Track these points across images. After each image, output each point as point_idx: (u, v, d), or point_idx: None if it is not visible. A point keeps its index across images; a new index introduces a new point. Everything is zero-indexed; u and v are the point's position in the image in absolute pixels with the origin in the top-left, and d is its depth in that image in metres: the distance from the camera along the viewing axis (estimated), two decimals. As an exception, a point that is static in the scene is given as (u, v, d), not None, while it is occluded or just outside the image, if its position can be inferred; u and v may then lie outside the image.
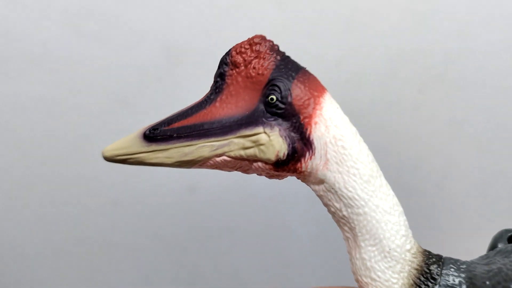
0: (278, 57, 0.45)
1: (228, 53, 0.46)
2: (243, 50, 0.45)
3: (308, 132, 0.44)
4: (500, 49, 0.71)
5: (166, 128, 0.45)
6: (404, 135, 0.75)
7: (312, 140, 0.44)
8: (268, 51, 0.45)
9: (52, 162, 0.77)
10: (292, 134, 0.44)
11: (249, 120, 0.44)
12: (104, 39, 0.73)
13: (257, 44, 0.45)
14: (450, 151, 0.75)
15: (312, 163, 0.44)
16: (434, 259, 0.44)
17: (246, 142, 0.44)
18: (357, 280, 0.46)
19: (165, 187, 0.78)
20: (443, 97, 0.73)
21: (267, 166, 0.44)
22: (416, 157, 0.76)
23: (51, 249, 0.80)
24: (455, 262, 0.44)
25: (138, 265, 0.82)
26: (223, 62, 0.46)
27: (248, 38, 0.45)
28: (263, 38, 0.45)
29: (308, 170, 0.45)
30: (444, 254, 0.46)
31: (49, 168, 0.77)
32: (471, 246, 0.68)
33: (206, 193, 0.78)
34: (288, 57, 0.46)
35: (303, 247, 0.81)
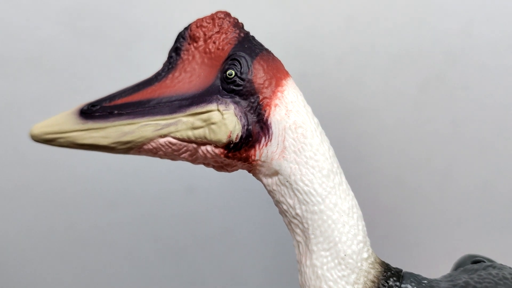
0: (242, 34, 0.42)
1: (187, 28, 0.42)
2: (204, 24, 0.42)
3: (266, 114, 0.40)
4: (501, 48, 0.71)
5: (107, 104, 0.41)
6: (404, 135, 0.74)
7: (270, 123, 0.40)
8: (231, 27, 0.42)
9: (50, 163, 0.75)
10: (249, 115, 0.40)
11: (202, 98, 0.40)
12: (102, 39, 0.71)
13: (220, 19, 0.42)
14: (451, 151, 0.74)
15: (267, 150, 0.40)
16: (392, 272, 0.40)
17: (196, 121, 0.40)
18: (305, 294, 0.41)
19: (163, 187, 0.76)
20: (444, 96, 0.72)
21: (216, 151, 0.40)
22: (416, 157, 0.74)
23: (49, 250, 0.79)
24: (416, 276, 0.40)
25: (137, 266, 0.80)
26: (180, 36, 0.42)
27: (212, 13, 0.42)
28: (227, 14, 0.42)
29: (262, 159, 0.40)
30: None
31: (47, 169, 0.75)
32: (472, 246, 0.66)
33: (205, 193, 0.77)
34: (253, 36, 0.43)
35: None
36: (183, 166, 0.75)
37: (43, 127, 0.40)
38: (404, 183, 0.75)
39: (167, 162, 0.73)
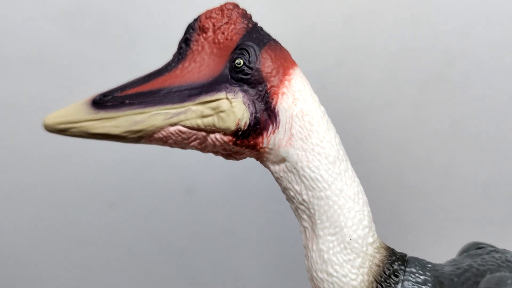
0: (250, 25, 0.43)
1: (197, 19, 0.44)
2: (213, 15, 0.43)
3: (274, 102, 0.41)
4: (501, 48, 0.72)
5: (119, 94, 0.42)
6: (404, 135, 0.74)
7: (278, 111, 0.41)
8: (239, 18, 0.43)
9: (49, 164, 0.76)
10: (257, 103, 0.41)
11: (211, 86, 0.42)
12: (101, 39, 0.72)
13: (229, 10, 0.43)
14: (451, 151, 0.75)
15: (274, 138, 0.41)
16: (397, 256, 0.41)
17: (205, 109, 0.41)
18: (311, 279, 0.42)
19: (163, 188, 0.77)
20: (444, 96, 0.73)
21: (225, 138, 0.41)
22: (416, 157, 0.75)
23: (49, 251, 0.79)
24: (420, 261, 0.41)
25: (137, 266, 0.80)
26: (190, 27, 0.44)
27: (221, 5, 0.43)
28: (235, 5, 0.44)
29: (270, 147, 0.42)
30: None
31: (46, 170, 0.76)
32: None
33: (205, 194, 0.77)
34: (261, 27, 0.44)
35: (302, 247, 0.79)
36: (183, 166, 0.76)
37: (56, 117, 0.41)
38: (404, 182, 0.75)
39: (167, 162, 0.74)
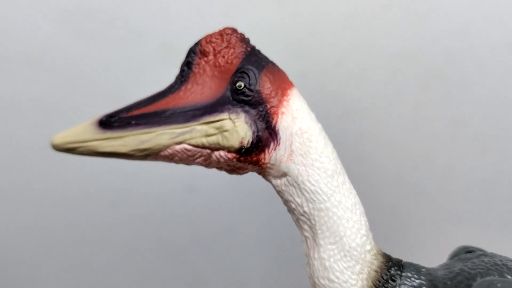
0: (249, 48, 0.46)
1: (197, 43, 0.46)
2: (213, 40, 0.46)
3: (274, 122, 0.44)
4: (501, 48, 0.73)
5: (125, 115, 0.45)
6: (404, 135, 0.76)
7: (278, 130, 0.44)
8: (238, 42, 0.46)
9: (50, 163, 0.77)
10: (258, 122, 0.44)
11: (214, 107, 0.45)
12: (101, 39, 0.73)
13: (228, 34, 0.46)
14: (451, 151, 0.76)
15: (276, 154, 0.45)
16: (394, 262, 0.44)
17: (209, 129, 0.44)
18: (313, 285, 0.45)
19: (163, 188, 0.78)
20: (444, 96, 0.74)
21: (229, 155, 0.44)
22: (416, 157, 0.76)
23: (49, 251, 0.80)
24: (415, 265, 0.44)
25: (137, 266, 0.81)
26: (191, 51, 0.47)
27: (219, 30, 0.46)
28: (234, 30, 0.47)
29: (271, 162, 0.45)
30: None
31: (46, 169, 0.77)
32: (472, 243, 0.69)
33: (205, 193, 0.79)
34: (258, 50, 0.47)
35: (302, 248, 0.79)
36: (183, 167, 0.77)
37: (64, 137, 0.43)
38: (404, 182, 0.77)
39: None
